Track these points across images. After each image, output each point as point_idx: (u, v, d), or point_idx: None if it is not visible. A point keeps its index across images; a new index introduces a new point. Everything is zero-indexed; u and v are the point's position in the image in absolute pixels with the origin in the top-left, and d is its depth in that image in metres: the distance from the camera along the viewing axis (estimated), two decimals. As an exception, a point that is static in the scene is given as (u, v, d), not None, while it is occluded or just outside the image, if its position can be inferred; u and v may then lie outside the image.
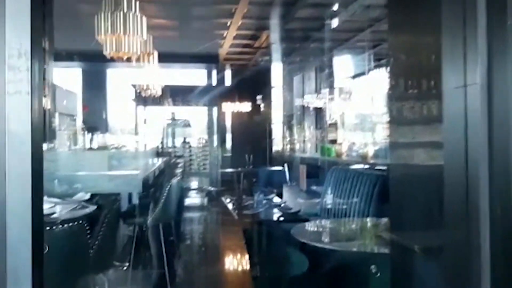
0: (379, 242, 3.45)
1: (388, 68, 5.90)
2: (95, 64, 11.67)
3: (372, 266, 2.86)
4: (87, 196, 3.13)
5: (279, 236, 4.12)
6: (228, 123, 13.79)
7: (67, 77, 12.16)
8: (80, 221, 2.72)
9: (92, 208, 2.98)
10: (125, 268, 4.61)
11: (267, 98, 12.68)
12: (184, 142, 13.10)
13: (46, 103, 8.74)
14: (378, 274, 2.83)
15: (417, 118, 1.66)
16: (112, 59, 6.23)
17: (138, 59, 6.61)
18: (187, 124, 13.17)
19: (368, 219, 4.24)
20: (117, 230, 4.78)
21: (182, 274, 4.98)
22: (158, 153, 11.29)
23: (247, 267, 3.49)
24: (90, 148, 6.22)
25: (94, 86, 12.67)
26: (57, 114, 9.24)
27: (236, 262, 5.41)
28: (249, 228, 3.71)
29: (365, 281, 2.98)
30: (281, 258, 3.44)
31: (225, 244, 6.47)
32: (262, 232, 3.62)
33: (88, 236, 2.78)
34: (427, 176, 1.63)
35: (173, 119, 13.12)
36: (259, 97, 13.06)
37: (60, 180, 4.31)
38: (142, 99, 12.29)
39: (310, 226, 3.90)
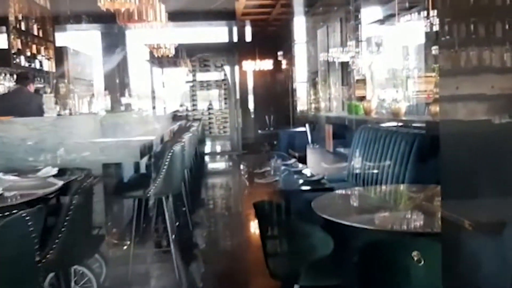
0: (422, 216, 2.79)
1: (425, 14, 5.01)
2: (112, 26, 10.98)
3: (415, 253, 2.21)
4: (54, 171, 2.53)
5: (298, 209, 3.50)
6: (249, 83, 13.06)
7: (86, 41, 11.53)
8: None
9: (57, 185, 2.39)
10: (125, 247, 4.08)
11: (289, 55, 11.86)
12: (210, 104, 12.49)
13: (50, 66, 8.21)
14: (422, 262, 2.19)
15: (478, 66, 1.26)
16: (122, 20, 5.62)
17: (146, 17, 5.96)
18: (207, 86, 12.51)
19: (405, 187, 3.56)
20: (113, 205, 4.23)
21: (187, 253, 4.43)
22: (175, 117, 10.73)
23: (258, 251, 2.93)
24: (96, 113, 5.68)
25: (114, 49, 12.04)
26: (68, 79, 8.74)
27: (245, 243, 4.86)
28: (263, 199, 3.11)
29: (405, 269, 2.34)
30: (299, 238, 2.82)
31: (234, 220, 5.91)
32: (277, 205, 3.00)
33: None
34: (490, 136, 1.25)
35: (194, 80, 12.47)
36: (280, 53, 12.24)
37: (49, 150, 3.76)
38: (158, 61, 11.67)
39: (335, 197, 3.26)
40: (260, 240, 2.91)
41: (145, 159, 4.56)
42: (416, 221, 2.72)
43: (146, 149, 4.27)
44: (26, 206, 2.07)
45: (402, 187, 3.59)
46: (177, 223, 4.75)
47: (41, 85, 7.86)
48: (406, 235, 2.47)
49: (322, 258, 2.78)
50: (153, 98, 12.29)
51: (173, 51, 9.32)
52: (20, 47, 6.94)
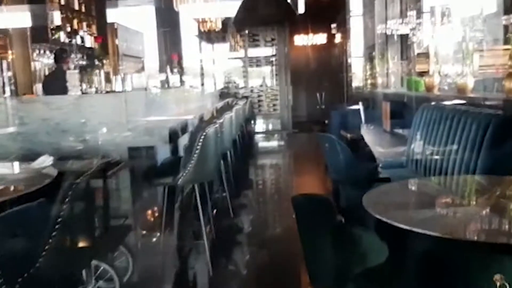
0: (502, 219, 2.21)
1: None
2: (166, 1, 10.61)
3: (497, 276, 1.69)
4: (49, 161, 2.15)
5: (347, 203, 2.99)
6: (301, 59, 12.43)
7: (139, 16, 11.18)
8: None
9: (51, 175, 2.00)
10: (154, 239, 3.72)
11: (344, 28, 11.12)
12: (263, 81, 11.98)
13: (93, 42, 7.96)
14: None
15: None
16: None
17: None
18: (257, 62, 12.00)
19: (478, 178, 2.96)
20: (142, 192, 3.86)
21: (223, 246, 4.02)
22: (223, 94, 10.35)
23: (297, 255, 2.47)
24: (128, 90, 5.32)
25: (166, 25, 11.68)
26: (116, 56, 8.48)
27: (292, 235, 4.37)
28: (303, 193, 2.62)
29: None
30: (346, 242, 2.32)
31: (282, 206, 5.43)
32: (320, 200, 2.52)
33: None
34: None
35: (244, 57, 11.98)
36: (334, 26, 11.51)
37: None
38: (206, 36, 11.27)
39: (392, 190, 2.72)
40: (300, 242, 2.44)
41: (185, 139, 4.16)
42: (495, 226, 2.15)
43: (179, 131, 3.87)
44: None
45: (473, 178, 2.98)
46: (214, 211, 4.35)
47: (84, 62, 7.64)
48: (484, 246, 1.92)
49: (373, 268, 2.27)
50: (202, 75, 11.94)
51: (219, 25, 8.86)
52: (59, 22, 6.71)
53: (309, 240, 2.42)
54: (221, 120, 4.24)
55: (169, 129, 3.46)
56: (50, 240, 1.84)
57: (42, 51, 6.35)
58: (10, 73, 5.65)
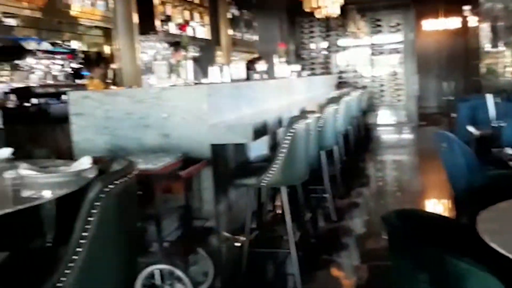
0: None
1: None
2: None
3: None
4: (87, 163, 1.89)
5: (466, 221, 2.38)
6: (429, 45, 11.33)
7: None
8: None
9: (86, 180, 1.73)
10: (237, 243, 3.39)
11: (478, 10, 9.85)
12: (387, 70, 11.15)
13: (206, 33, 7.88)
14: None
15: None
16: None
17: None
18: (380, 49, 11.19)
19: None
20: (228, 192, 3.55)
21: (317, 256, 3.56)
22: (340, 84, 9.77)
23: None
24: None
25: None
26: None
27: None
28: (399, 209, 2.09)
29: None
30: (447, 276, 1.76)
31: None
32: (419, 219, 1.98)
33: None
34: None
35: (367, 44, 11.24)
36: (467, 8, 10.26)
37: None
38: (324, 23, 10.75)
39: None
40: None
41: (280, 133, 3.77)
42: None
43: (270, 127, 3.49)
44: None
45: None
46: (309, 215, 3.91)
47: (197, 54, 7.61)
48: None
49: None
50: (326, 63, 11.45)
51: (337, 11, 8.29)
52: (170, 13, 6.69)
53: (400, 272, 1.90)
54: (318, 114, 3.78)
55: (254, 125, 3.09)
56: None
57: (149, 43, 6.39)
58: (115, 65, 5.72)
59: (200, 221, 3.24)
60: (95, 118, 3.36)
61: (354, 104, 6.49)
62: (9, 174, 1.80)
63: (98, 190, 1.59)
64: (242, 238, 3.33)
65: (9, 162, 2.25)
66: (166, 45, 6.46)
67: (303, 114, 3.30)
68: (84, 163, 1.86)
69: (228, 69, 4.52)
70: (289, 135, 3.02)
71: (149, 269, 2.79)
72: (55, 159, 2.46)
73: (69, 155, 3.54)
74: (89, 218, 1.59)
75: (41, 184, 1.76)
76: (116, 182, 1.65)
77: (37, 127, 4.26)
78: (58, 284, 1.53)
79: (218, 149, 3.25)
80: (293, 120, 3.09)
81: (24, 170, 1.77)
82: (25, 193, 1.72)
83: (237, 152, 3.67)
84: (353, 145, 6.35)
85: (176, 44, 6.26)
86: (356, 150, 6.62)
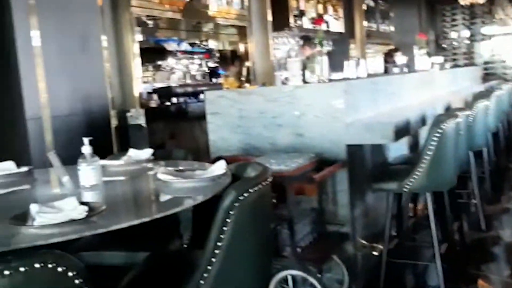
0: None
1: None
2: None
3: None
4: (222, 168, 1.83)
5: None
6: None
7: None
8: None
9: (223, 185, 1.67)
10: (375, 252, 3.17)
11: None
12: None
13: (340, 27, 7.65)
14: None
15: None
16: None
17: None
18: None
19: None
20: (365, 196, 3.33)
21: (464, 270, 3.18)
22: (486, 76, 8.90)
23: None
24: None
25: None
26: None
27: None
28: None
29: None
30: None
31: None
32: None
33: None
34: None
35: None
36: None
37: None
38: (468, 10, 9.88)
39: None
40: None
41: (423, 132, 3.48)
42: None
43: (412, 125, 3.21)
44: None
45: None
46: (455, 223, 3.54)
47: (330, 48, 7.43)
48: None
49: None
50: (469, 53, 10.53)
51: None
52: (303, 8, 6.59)
53: None
54: (468, 112, 3.39)
55: (395, 124, 2.85)
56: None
57: (282, 39, 6.34)
58: (249, 63, 5.76)
59: (335, 226, 3.08)
60: (230, 117, 3.37)
61: (505, 98, 5.82)
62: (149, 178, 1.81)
63: (232, 198, 1.52)
64: (380, 247, 3.11)
65: (150, 162, 2.32)
66: (299, 40, 6.38)
67: (452, 111, 2.97)
68: (219, 168, 1.81)
69: (365, 63, 4.27)
70: (436, 136, 2.72)
71: (282, 274, 2.71)
72: (192, 160, 2.48)
73: (205, 153, 3.61)
74: (224, 228, 1.52)
75: (178, 189, 1.74)
76: (250, 190, 1.57)
77: (176, 126, 4.44)
78: (205, 274, 1.51)
79: (354, 150, 3.07)
80: (441, 118, 2.79)
81: (162, 175, 1.77)
82: (164, 197, 1.72)
83: (374, 153, 3.43)
84: (504, 144, 5.70)
85: (307, 39, 6.15)
86: (507, 150, 5.94)
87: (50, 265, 1.02)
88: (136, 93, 4.17)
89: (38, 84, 3.35)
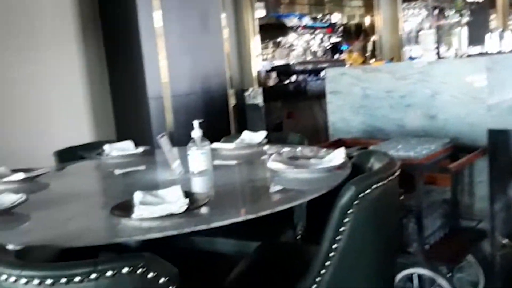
0: None
1: None
2: None
3: None
4: (341, 157, 1.61)
5: None
6: None
7: None
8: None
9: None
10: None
11: None
12: None
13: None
14: None
15: None
16: None
17: None
18: None
19: None
20: (501, 190, 2.87)
21: None
22: None
23: None
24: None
25: None
26: None
27: None
28: None
29: None
30: None
31: None
32: None
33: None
34: None
35: None
36: None
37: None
38: None
39: None
40: None
41: None
42: None
43: None
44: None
45: None
46: None
47: (467, 19, 6.70)
48: None
49: None
50: None
51: None
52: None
53: None
54: None
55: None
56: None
57: (413, 10, 5.81)
58: (375, 37, 5.36)
59: (470, 221, 2.71)
60: (352, 96, 3.11)
61: None
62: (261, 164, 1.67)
63: (351, 196, 1.31)
64: (524, 247, 2.68)
65: (263, 146, 2.17)
66: (432, 10, 5.80)
67: None
68: (337, 156, 1.60)
69: (510, 35, 3.72)
70: None
71: (406, 272, 2.44)
72: (308, 144, 2.30)
73: (324, 134, 3.40)
74: (340, 229, 1.32)
75: (289, 179, 1.56)
76: (374, 186, 1.35)
77: (295, 105, 4.28)
78: (317, 279, 1.34)
79: (497, 136, 2.64)
80: None
81: (273, 163, 1.60)
82: (274, 188, 1.55)
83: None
84: None
85: (441, 9, 5.57)
86: None
87: (139, 270, 0.91)
88: (254, 72, 4.06)
89: (159, 64, 3.37)
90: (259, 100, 3.87)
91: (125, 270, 0.90)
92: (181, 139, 3.46)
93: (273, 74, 4.22)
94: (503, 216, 2.89)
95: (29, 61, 3.19)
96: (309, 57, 5.05)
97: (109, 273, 0.89)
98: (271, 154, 1.73)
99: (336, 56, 5.29)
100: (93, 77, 3.55)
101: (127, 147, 2.30)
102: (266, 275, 1.64)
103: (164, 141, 1.72)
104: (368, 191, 1.34)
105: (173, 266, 0.95)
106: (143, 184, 1.74)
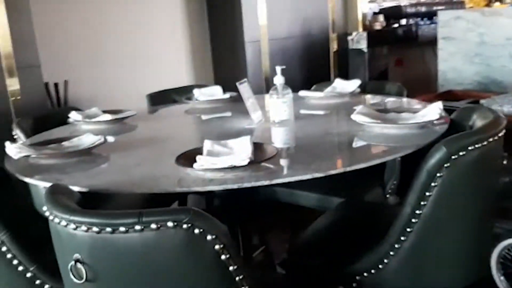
0: None
1: None
2: None
3: None
4: (436, 112, 1.42)
5: None
6: None
7: None
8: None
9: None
10: None
11: None
12: None
13: None
14: None
15: None
16: None
17: None
18: None
19: None
20: None
21: None
22: None
23: None
24: None
25: None
26: None
27: None
28: None
29: None
30: None
31: None
32: None
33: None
34: None
35: None
36: None
37: None
38: None
39: None
40: None
41: None
42: None
43: None
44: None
45: None
46: None
47: None
48: None
49: None
50: None
51: None
52: None
53: None
54: None
55: None
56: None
57: None
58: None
59: None
60: (467, 44, 2.78)
61: None
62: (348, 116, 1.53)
63: (440, 158, 1.14)
64: None
65: (355, 96, 2.01)
66: None
67: None
68: (433, 111, 1.41)
69: None
70: None
71: (509, 242, 2.19)
72: (410, 96, 2.08)
73: (434, 85, 3.12)
74: (427, 193, 1.16)
75: (375, 134, 1.41)
76: (470, 147, 1.16)
77: (403, 51, 3.95)
78: (396, 245, 1.21)
79: None
80: None
81: (358, 115, 1.45)
82: (357, 143, 1.41)
83: None
84: None
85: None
86: None
87: (185, 225, 0.85)
88: (360, 14, 3.78)
89: (257, 6, 3.25)
90: (363, 45, 3.62)
91: (170, 224, 0.85)
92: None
93: (381, 17, 3.89)
94: None
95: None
96: (423, -1, 4.58)
97: (153, 226, 0.85)
98: (359, 106, 1.58)
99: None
100: (193, 20, 3.54)
101: (216, 92, 2.26)
102: (343, 234, 1.54)
103: (243, 88, 1.63)
104: (462, 153, 1.15)
105: (221, 224, 0.89)
106: (220, 131, 1.69)
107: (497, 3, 4.45)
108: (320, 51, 3.57)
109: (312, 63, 3.51)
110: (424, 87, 3.43)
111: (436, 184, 1.16)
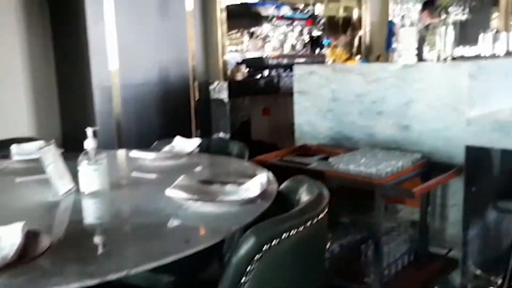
0: None
1: None
2: None
3: None
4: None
5: None
6: None
7: None
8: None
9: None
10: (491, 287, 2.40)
11: None
12: None
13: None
14: None
15: None
16: None
17: None
18: None
19: None
20: (477, 215, 2.53)
21: None
22: None
23: None
24: None
25: None
26: None
27: None
28: None
29: None
30: None
31: None
32: None
33: None
34: None
35: None
36: None
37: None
38: None
39: None
40: None
41: None
42: None
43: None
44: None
45: None
46: None
47: (464, 17, 6.33)
48: None
49: None
50: None
51: None
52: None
53: None
54: None
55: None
56: None
57: (406, 5, 5.42)
58: (362, 32, 4.98)
59: (440, 249, 2.39)
60: (320, 98, 2.77)
61: None
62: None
63: (250, 249, 0.97)
64: (499, 280, 2.35)
65: (193, 156, 1.84)
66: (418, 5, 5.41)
67: None
68: (255, 186, 1.26)
69: (507, 37, 3.36)
70: None
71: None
72: (250, 156, 1.95)
73: (291, 137, 3.07)
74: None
75: (192, 212, 1.22)
76: (285, 234, 1.01)
77: (265, 101, 3.92)
78: None
79: (476, 154, 2.31)
80: None
81: (173, 190, 1.25)
82: (173, 223, 1.20)
83: (505, 162, 2.60)
84: None
85: (430, 3, 5.17)
86: None
87: None
88: (220, 63, 3.70)
89: (107, 49, 3.01)
90: (224, 95, 3.51)
91: None
92: (131, 133, 3.11)
93: (243, 67, 3.85)
94: (477, 244, 2.56)
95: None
96: (286, 51, 4.64)
97: None
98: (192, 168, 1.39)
99: (317, 52, 4.88)
100: (36, 60, 3.20)
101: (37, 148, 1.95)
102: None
103: (46, 153, 1.37)
104: (275, 241, 1.00)
105: None
106: (13, 207, 1.38)
107: (358, 56, 4.66)
108: (181, 100, 3.40)
109: (171, 112, 3.32)
110: (288, 137, 3.39)
111: (246, 279, 0.99)
